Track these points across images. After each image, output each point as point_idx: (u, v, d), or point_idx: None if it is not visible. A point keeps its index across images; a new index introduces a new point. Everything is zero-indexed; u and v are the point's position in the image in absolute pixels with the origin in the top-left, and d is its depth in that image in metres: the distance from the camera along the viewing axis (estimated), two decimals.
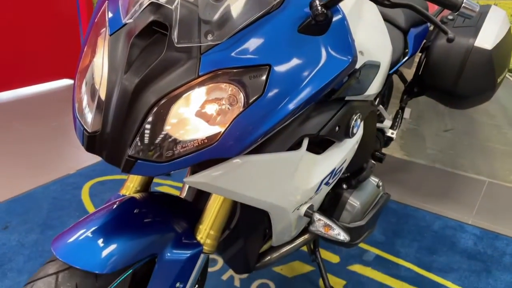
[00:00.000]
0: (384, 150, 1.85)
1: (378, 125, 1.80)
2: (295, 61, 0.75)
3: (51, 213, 2.01)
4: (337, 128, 0.98)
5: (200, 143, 0.73)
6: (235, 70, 0.72)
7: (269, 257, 1.22)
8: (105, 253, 0.79)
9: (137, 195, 0.96)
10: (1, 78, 3.32)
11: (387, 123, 1.85)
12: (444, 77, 1.76)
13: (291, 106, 0.76)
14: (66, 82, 3.86)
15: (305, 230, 1.26)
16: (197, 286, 1.05)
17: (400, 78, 2.01)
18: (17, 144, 2.71)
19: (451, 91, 1.77)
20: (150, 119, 0.72)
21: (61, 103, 3.42)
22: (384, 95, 2.00)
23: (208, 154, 0.73)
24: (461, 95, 1.78)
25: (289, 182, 0.91)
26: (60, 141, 2.79)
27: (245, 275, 1.69)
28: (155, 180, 2.14)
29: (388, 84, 1.82)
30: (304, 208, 1.02)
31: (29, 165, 2.46)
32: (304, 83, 0.76)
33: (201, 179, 0.78)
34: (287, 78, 0.75)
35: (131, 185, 1.04)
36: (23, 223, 1.92)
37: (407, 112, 2.70)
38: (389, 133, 1.83)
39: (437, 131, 2.66)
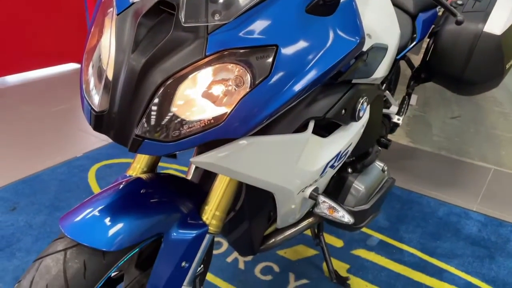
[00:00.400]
0: (389, 137, 1.85)
1: (384, 110, 1.80)
2: (302, 42, 0.75)
3: (59, 195, 2.03)
4: (343, 111, 0.98)
5: (206, 123, 0.73)
6: (242, 51, 0.72)
7: (273, 240, 1.24)
8: (112, 231, 0.80)
9: (143, 176, 0.97)
10: (8, 61, 3.33)
11: (394, 109, 1.84)
12: (452, 63, 1.75)
13: (298, 87, 0.76)
14: (73, 66, 3.87)
15: (309, 214, 1.27)
16: (202, 266, 1.06)
17: (407, 64, 2.00)
18: (24, 127, 2.73)
19: (458, 77, 1.76)
20: (156, 99, 0.73)
21: (68, 87, 3.43)
22: (391, 81, 1.99)
23: (214, 134, 0.74)
24: (469, 81, 1.77)
25: (294, 164, 0.91)
26: (67, 125, 2.81)
27: (249, 258, 1.71)
28: (161, 164, 2.16)
29: (395, 69, 1.80)
30: (309, 191, 1.02)
31: (36, 147, 2.49)
32: (311, 64, 0.76)
33: (207, 159, 0.79)
34: (294, 59, 0.75)
35: (138, 166, 1.05)
36: (30, 204, 1.95)
37: (413, 99, 2.69)
38: (395, 119, 1.83)
39: (443, 118, 2.65)
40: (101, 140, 2.61)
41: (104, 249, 0.78)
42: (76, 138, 2.65)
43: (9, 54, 3.31)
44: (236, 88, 0.73)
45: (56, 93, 3.29)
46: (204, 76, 0.73)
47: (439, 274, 1.69)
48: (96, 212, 0.83)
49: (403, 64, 2.07)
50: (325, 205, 1.03)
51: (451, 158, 2.67)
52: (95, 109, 0.78)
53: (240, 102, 0.73)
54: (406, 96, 1.94)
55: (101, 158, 2.41)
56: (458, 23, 0.94)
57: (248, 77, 0.73)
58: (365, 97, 1.02)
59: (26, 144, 2.52)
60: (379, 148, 1.45)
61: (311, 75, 0.77)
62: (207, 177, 1.11)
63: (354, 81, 0.99)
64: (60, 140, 2.60)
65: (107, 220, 0.82)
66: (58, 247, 0.79)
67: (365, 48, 0.93)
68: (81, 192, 2.04)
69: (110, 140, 2.60)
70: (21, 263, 1.61)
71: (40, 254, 0.81)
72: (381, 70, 1.08)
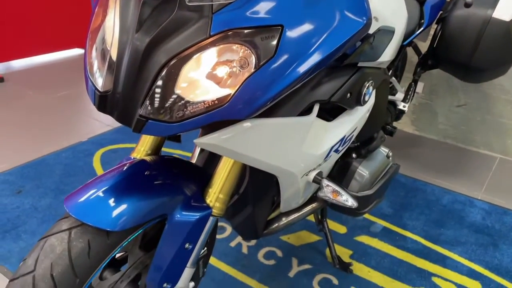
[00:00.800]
0: (395, 125, 1.83)
1: (390, 97, 1.78)
2: (308, 22, 0.74)
3: (64, 179, 2.04)
4: (348, 94, 0.97)
5: (210, 104, 0.73)
6: (246, 31, 0.72)
7: (276, 224, 1.24)
8: (116, 211, 0.81)
9: (147, 158, 0.98)
10: (13, 46, 3.33)
11: (399, 95, 1.83)
12: (459, 49, 1.73)
13: (303, 68, 0.75)
14: (78, 51, 3.86)
15: (312, 199, 1.27)
16: (205, 248, 1.07)
17: (414, 50, 1.98)
18: (29, 111, 2.74)
19: (466, 63, 1.74)
20: (160, 79, 0.72)
21: (73, 72, 3.43)
22: (397, 67, 1.97)
23: (218, 115, 0.74)
24: (476, 68, 1.75)
25: (298, 147, 0.91)
26: (72, 110, 2.81)
27: (252, 243, 1.72)
28: (165, 149, 2.16)
29: (402, 55, 1.79)
30: (313, 174, 1.02)
31: (41, 132, 2.50)
32: (317, 45, 0.75)
33: (211, 141, 0.79)
34: (299, 39, 0.74)
35: (142, 148, 1.05)
36: (36, 187, 1.97)
37: (419, 86, 2.67)
38: (401, 106, 1.81)
39: (449, 106, 2.63)
40: (106, 125, 2.61)
41: (108, 229, 0.79)
42: (81, 123, 2.65)
43: (14, 39, 3.31)
44: (241, 70, 0.73)
45: (61, 78, 3.29)
46: (208, 57, 0.73)
47: (442, 261, 1.69)
48: (100, 193, 0.83)
49: (410, 51, 2.05)
50: (329, 189, 1.02)
51: (457, 147, 2.65)
52: (99, 89, 0.78)
53: (244, 83, 0.72)
54: (413, 83, 1.92)
55: (106, 143, 2.42)
56: (467, 5, 0.92)
57: (253, 59, 0.73)
58: (371, 81, 1.01)
59: (31, 128, 2.53)
60: (384, 134, 1.45)
61: (317, 56, 0.76)
62: (211, 161, 1.11)
63: (360, 64, 0.98)
64: (65, 125, 2.61)
65: (111, 201, 0.82)
66: (63, 227, 0.80)
67: (371, 31, 0.92)
68: (86, 176, 2.05)
69: (115, 126, 2.62)
70: (26, 245, 1.63)
71: (45, 233, 0.81)
72: (388, 54, 1.07)
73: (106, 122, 2.64)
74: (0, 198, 1.88)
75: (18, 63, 3.52)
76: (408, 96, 1.85)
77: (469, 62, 1.73)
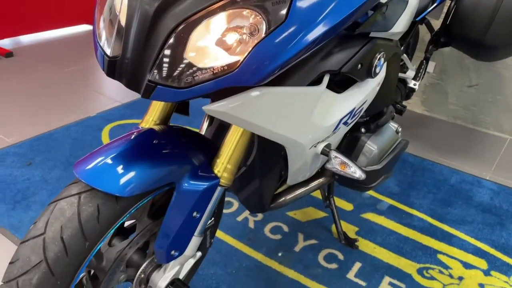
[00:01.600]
0: (405, 104, 1.82)
1: (401, 75, 1.76)
2: None
3: (73, 152, 2.06)
4: (359, 66, 0.95)
5: (219, 70, 0.72)
6: None
7: (283, 198, 1.24)
8: (125, 178, 0.81)
9: (156, 127, 0.98)
10: (22, 21, 3.33)
11: (410, 73, 1.80)
12: (473, 26, 1.70)
13: (314, 35, 0.74)
14: (86, 27, 3.85)
15: (319, 174, 1.27)
16: (213, 219, 1.08)
17: (427, 27, 1.94)
18: (38, 86, 2.75)
19: (480, 41, 1.71)
20: (169, 44, 0.72)
21: (82, 48, 3.42)
22: (409, 44, 1.94)
23: (227, 82, 0.73)
24: (490, 45, 1.71)
25: (307, 117, 0.90)
26: (81, 85, 2.82)
27: (259, 218, 1.73)
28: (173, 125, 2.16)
29: (413, 33, 1.76)
30: (321, 146, 1.02)
31: (50, 106, 2.51)
32: (328, 10, 0.74)
33: (220, 108, 0.78)
34: (311, 5, 0.72)
35: (151, 118, 1.05)
36: (46, 160, 1.99)
37: (431, 66, 2.63)
38: (412, 84, 1.79)
39: (461, 86, 2.59)
40: (114, 101, 2.62)
41: (117, 195, 0.79)
42: (90, 98, 2.66)
43: (23, 14, 3.30)
44: (250, 37, 0.72)
45: (70, 54, 3.29)
46: (218, 23, 0.72)
47: (449, 239, 1.69)
48: (109, 160, 0.84)
49: (422, 30, 2.02)
50: (337, 160, 1.02)
51: (467, 127, 2.63)
52: (108, 54, 0.78)
53: (254, 48, 0.71)
54: (424, 61, 1.89)
55: (114, 118, 2.42)
56: None
57: (263, 25, 0.71)
58: (382, 53, 1.00)
59: (40, 102, 2.54)
60: (393, 109, 1.43)
61: (328, 23, 0.74)
62: (220, 134, 1.11)
63: (372, 34, 0.96)
64: (74, 100, 2.62)
65: (120, 167, 0.82)
66: (72, 191, 0.81)
67: (384, 0, 0.90)
68: None
69: (123, 101, 2.62)
70: (36, 215, 1.65)
71: (55, 197, 0.82)
72: (400, 25, 1.05)
73: (115, 98, 2.65)
74: (11, 170, 1.90)
75: (27, 38, 3.52)
76: (419, 74, 1.83)
77: (483, 40, 1.70)
